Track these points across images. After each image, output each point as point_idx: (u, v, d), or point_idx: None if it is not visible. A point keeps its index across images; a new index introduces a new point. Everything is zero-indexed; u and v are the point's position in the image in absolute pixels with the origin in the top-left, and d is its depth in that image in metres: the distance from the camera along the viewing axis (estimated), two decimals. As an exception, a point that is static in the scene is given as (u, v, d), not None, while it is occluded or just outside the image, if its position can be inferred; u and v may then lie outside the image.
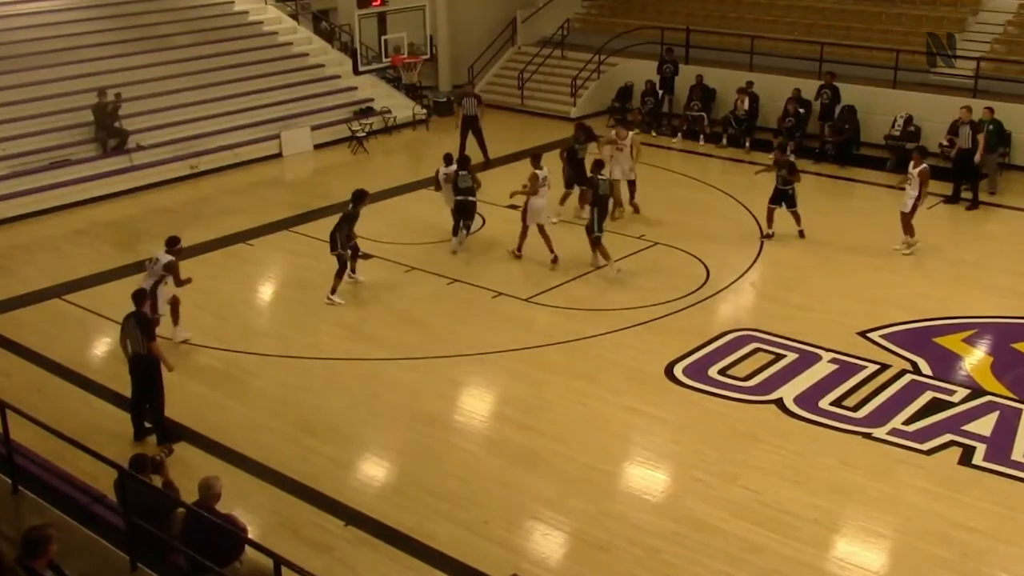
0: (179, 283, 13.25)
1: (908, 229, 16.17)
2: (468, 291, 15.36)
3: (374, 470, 11.36)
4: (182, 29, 24.71)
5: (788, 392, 12.25)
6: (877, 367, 12.76)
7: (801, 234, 16.93)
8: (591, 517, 10.08)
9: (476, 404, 12.62)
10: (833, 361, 12.93)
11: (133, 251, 17.04)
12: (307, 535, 9.83)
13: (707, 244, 16.77)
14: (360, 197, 15.03)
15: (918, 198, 15.92)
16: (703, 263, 16.06)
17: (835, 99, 21.70)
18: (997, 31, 22.37)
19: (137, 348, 11.27)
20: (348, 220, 14.90)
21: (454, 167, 16.77)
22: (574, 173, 17.92)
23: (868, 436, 11.35)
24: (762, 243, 16.85)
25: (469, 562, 9.42)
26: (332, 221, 15.39)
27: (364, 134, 23.30)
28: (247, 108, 23.07)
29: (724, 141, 22.47)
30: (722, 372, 12.78)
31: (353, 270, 15.31)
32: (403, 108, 25.17)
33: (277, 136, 22.64)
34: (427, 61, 26.72)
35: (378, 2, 25.70)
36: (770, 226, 17.05)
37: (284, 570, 7.05)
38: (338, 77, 25.31)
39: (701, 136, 23.02)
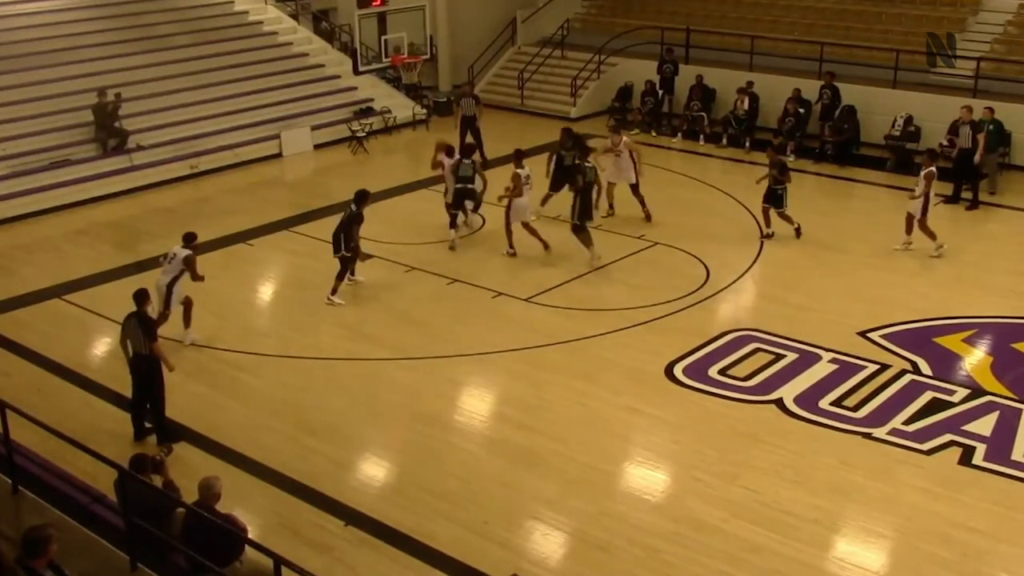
0: (195, 278, 13.33)
1: (928, 233, 16.14)
2: (468, 291, 15.36)
3: (374, 470, 11.36)
4: (182, 29, 24.70)
5: (788, 392, 12.25)
6: (877, 367, 12.76)
7: (798, 233, 16.92)
8: (591, 517, 10.07)
9: (476, 404, 12.62)
10: (833, 361, 12.93)
11: (133, 251, 17.09)
12: (307, 535, 9.83)
13: (707, 244, 16.77)
14: (363, 197, 14.95)
15: (926, 201, 15.91)
16: (703, 263, 16.06)
17: (835, 99, 21.68)
18: (997, 31, 22.37)
19: (138, 348, 11.26)
20: (354, 221, 14.80)
21: (458, 156, 17.02)
22: (561, 178, 17.84)
23: (868, 436, 11.35)
24: (762, 243, 16.86)
25: (469, 562, 9.42)
26: (332, 221, 15.39)
27: (364, 134, 23.30)
28: (247, 108, 23.07)
29: (724, 141, 22.46)
30: (722, 372, 12.77)
31: (352, 272, 15.31)
32: (403, 108, 25.18)
33: (277, 136, 22.64)
34: (427, 61, 26.72)
35: (378, 2, 25.70)
36: (768, 225, 17.05)
37: (284, 570, 7.06)
38: (338, 77, 25.31)
39: (701, 136, 23.01)
